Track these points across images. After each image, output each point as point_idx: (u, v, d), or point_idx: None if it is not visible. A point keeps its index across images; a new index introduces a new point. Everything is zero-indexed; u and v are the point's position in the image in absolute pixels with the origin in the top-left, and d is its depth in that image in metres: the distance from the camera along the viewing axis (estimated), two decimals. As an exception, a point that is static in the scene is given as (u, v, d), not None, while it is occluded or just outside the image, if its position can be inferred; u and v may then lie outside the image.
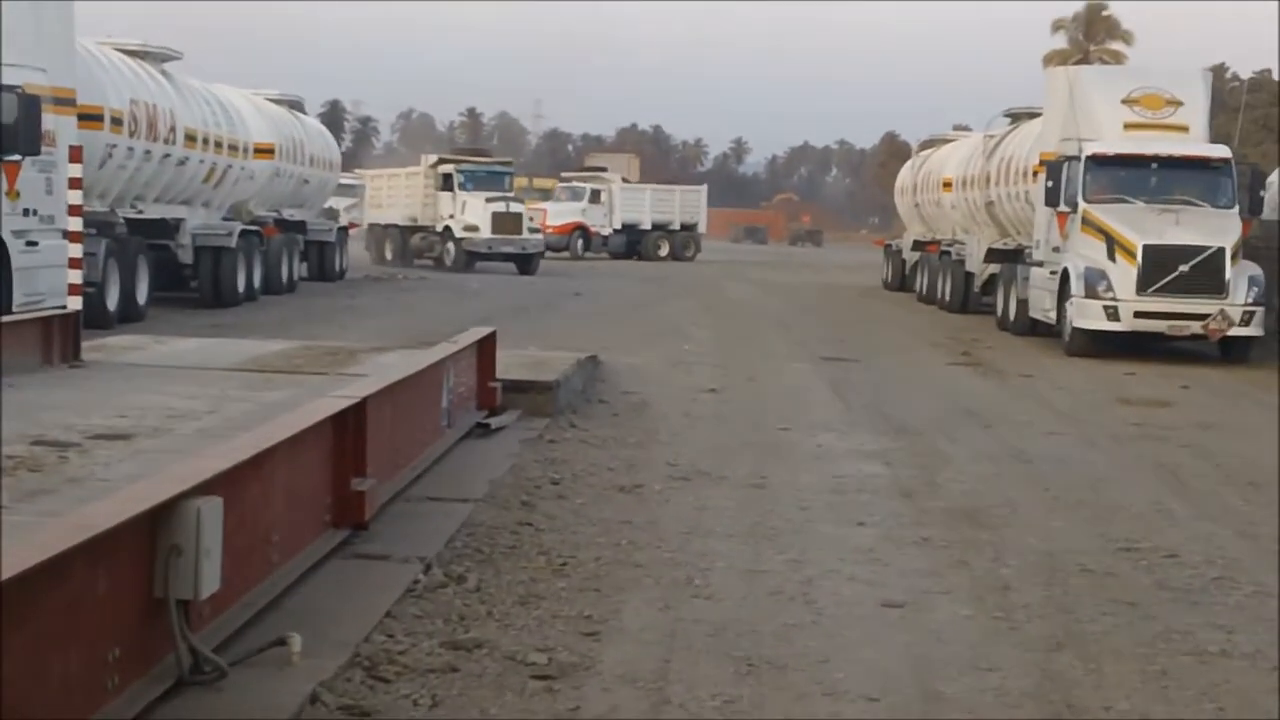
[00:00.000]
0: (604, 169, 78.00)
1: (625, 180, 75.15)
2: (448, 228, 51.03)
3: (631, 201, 70.88)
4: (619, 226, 69.81)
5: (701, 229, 74.47)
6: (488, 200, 50.40)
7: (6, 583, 4.31)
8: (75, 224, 18.64)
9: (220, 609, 6.23)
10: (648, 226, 70.81)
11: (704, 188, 79.05)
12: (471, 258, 50.00)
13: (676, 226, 71.83)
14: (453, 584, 7.87)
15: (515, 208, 51.02)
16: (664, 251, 70.40)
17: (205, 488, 5.85)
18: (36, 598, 4.56)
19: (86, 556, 4.91)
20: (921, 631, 7.60)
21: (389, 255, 54.38)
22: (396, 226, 54.60)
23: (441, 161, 53.68)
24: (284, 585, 7.07)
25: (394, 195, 55.87)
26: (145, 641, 5.48)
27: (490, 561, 8.49)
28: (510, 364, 14.92)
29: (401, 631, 6.96)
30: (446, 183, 51.88)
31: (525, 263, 50.23)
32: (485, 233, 49.82)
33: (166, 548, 5.57)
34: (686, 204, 73.73)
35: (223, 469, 6.13)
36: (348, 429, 8.33)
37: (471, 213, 50.33)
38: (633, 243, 69.92)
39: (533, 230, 51.53)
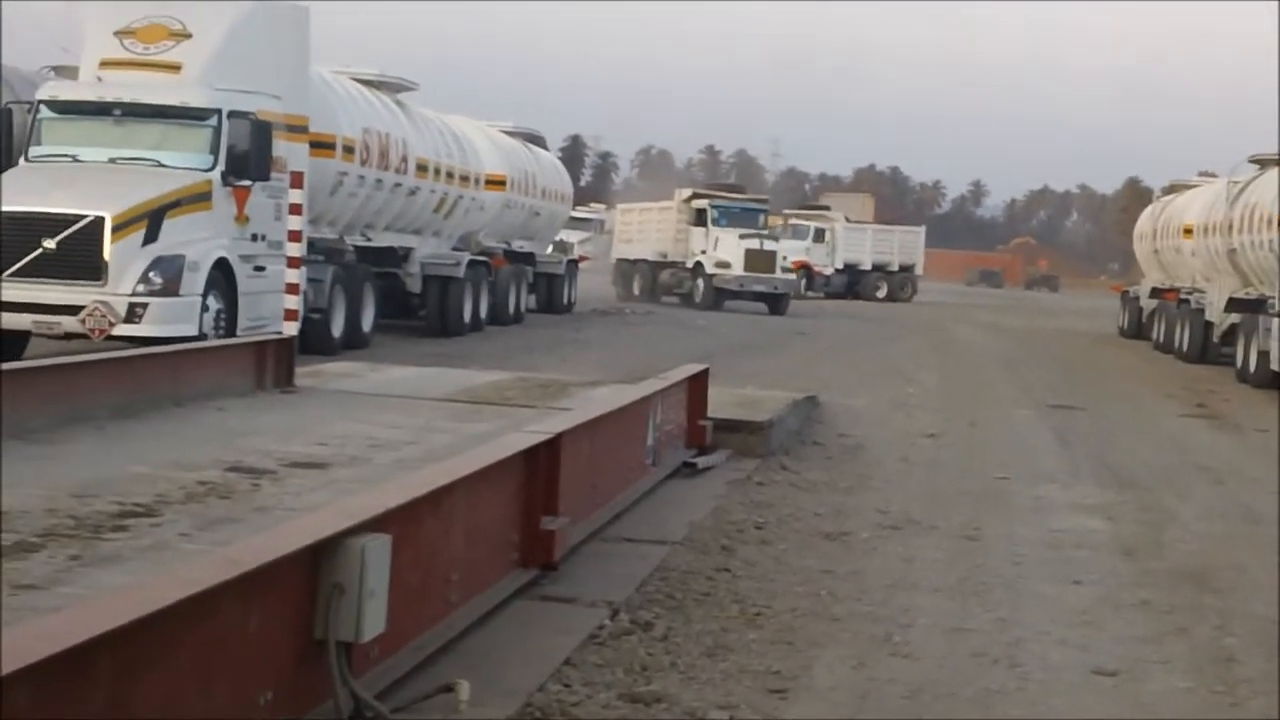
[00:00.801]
0: (828, 208, 77.87)
1: (848, 220, 74.80)
2: (699, 264, 49.74)
3: (853, 241, 70.72)
4: (840, 266, 69.51)
5: (919, 270, 73.94)
6: (741, 237, 49.15)
7: (146, 619, 4.12)
8: (295, 249, 18.78)
9: (390, 651, 6.01)
10: (868, 267, 70.64)
11: (922, 229, 78.70)
12: (721, 295, 48.81)
13: (895, 268, 71.60)
14: (639, 631, 7.57)
15: (769, 246, 49.70)
16: (882, 292, 70.04)
17: (374, 524, 5.63)
18: (177, 634, 4.36)
19: (237, 593, 4.71)
20: (1134, 704, 7.13)
21: (636, 290, 53.14)
22: (646, 261, 53.37)
23: (695, 196, 52.55)
24: (461, 627, 6.84)
25: (644, 230, 54.77)
26: (302, 684, 5.26)
27: (681, 609, 8.19)
28: (724, 402, 14.63)
29: (579, 681, 6.67)
30: (700, 218, 50.70)
31: (776, 302, 48.95)
32: (737, 270, 48.55)
33: (328, 586, 5.36)
34: (905, 245, 73.27)
35: (394, 505, 5.91)
36: (540, 465, 8.10)
37: (724, 249, 49.10)
38: (852, 283, 69.58)
39: (786, 270, 50.21)
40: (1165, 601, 9.34)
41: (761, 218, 51.84)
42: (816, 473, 13.65)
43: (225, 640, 4.69)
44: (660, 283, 51.69)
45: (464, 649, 6.74)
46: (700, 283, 49.41)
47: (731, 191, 56.36)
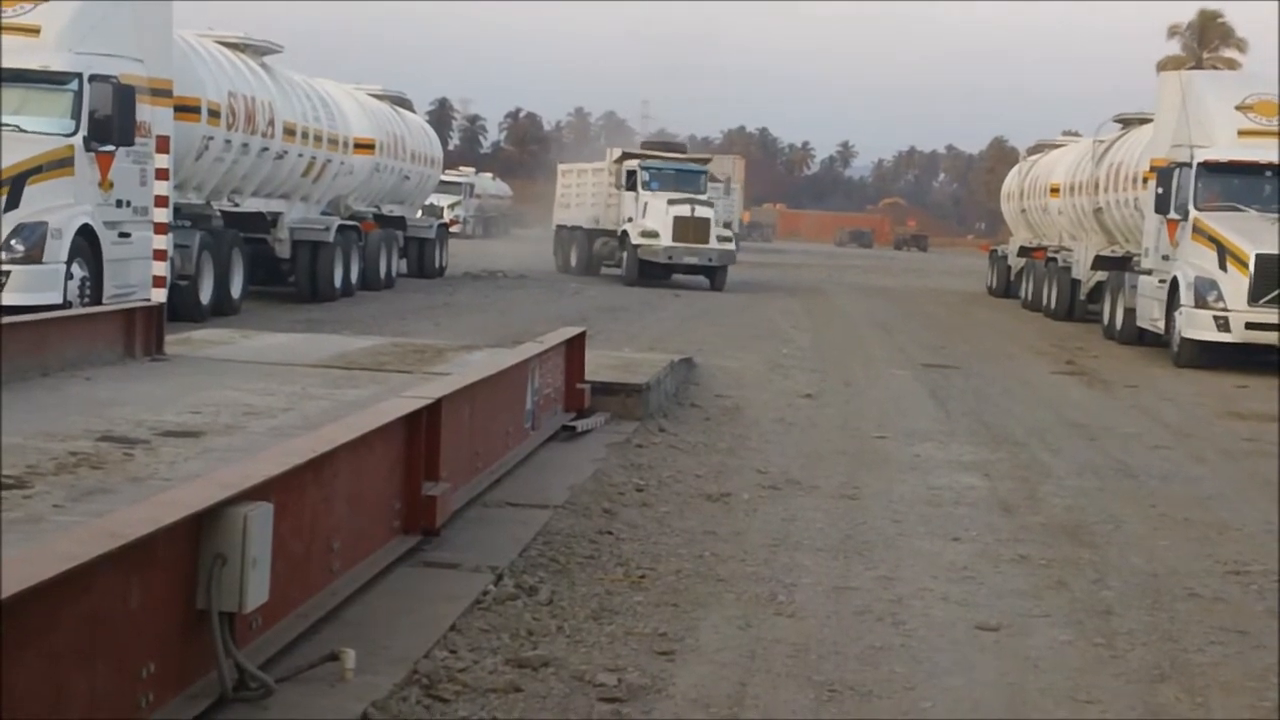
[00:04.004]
0: None
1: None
2: (625, 233, 42.96)
3: None
4: None
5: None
6: (670, 202, 42.02)
7: (24, 594, 3.99)
8: (161, 215, 18.42)
9: (273, 620, 5.91)
10: None
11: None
12: (647, 268, 42.13)
13: None
14: (524, 596, 7.51)
15: (702, 212, 42.16)
16: None
17: (255, 493, 5.52)
18: (56, 610, 4.24)
19: (117, 565, 4.60)
20: (1016, 658, 7.17)
21: (573, 262, 47.67)
22: (582, 229, 47.44)
23: (626, 157, 45.68)
24: (345, 595, 6.74)
25: (581, 194, 48.91)
26: (185, 656, 5.16)
27: (565, 572, 8.14)
28: (600, 365, 14.59)
29: (465, 647, 6.60)
30: (630, 181, 43.60)
31: (713, 275, 42.42)
32: (665, 240, 41.60)
33: (210, 557, 5.25)
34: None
35: (274, 474, 5.80)
36: (420, 431, 8.01)
37: (652, 216, 42.14)
38: None
39: (723, 239, 42.92)
40: (1043, 556, 9.42)
41: (701, 180, 44.67)
42: (695, 434, 13.64)
43: (105, 614, 4.57)
44: (594, 253, 46.05)
45: (348, 617, 6.65)
46: (627, 254, 42.95)
47: (669, 150, 48.22)
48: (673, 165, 45.00)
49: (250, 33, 28.43)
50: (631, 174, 43.78)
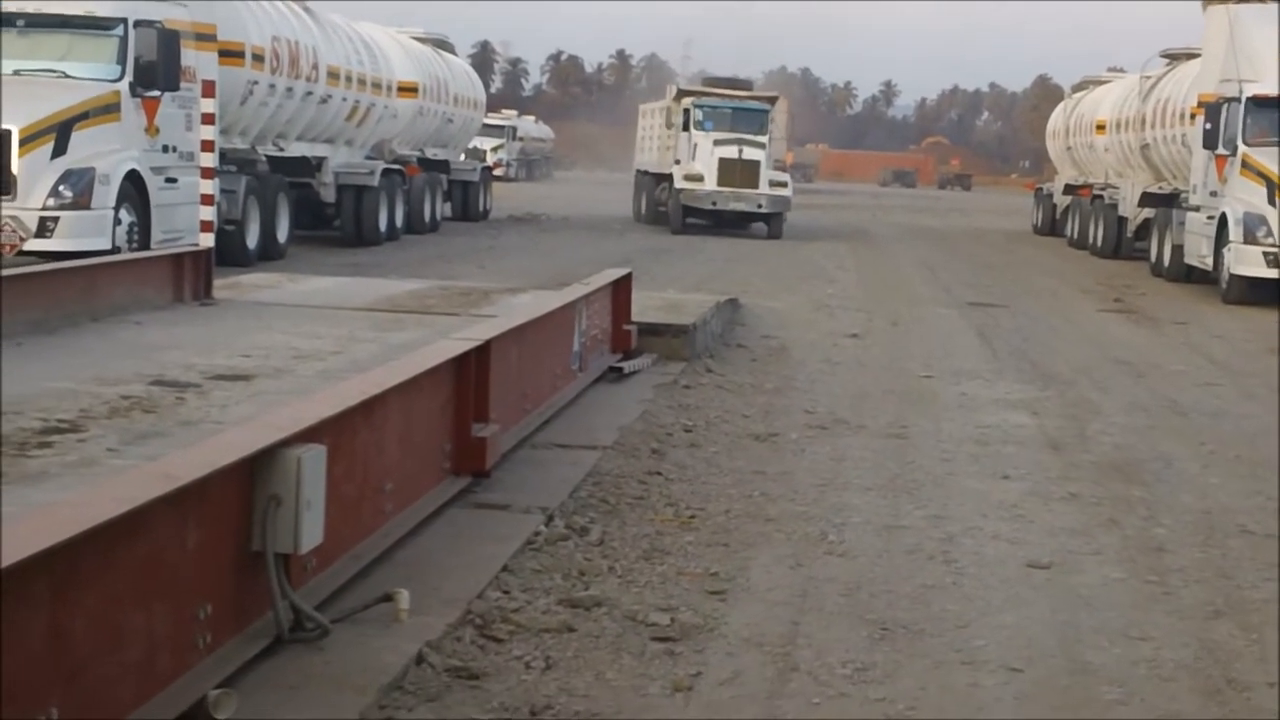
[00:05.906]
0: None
1: None
2: (672, 176, 39.19)
3: None
4: None
5: None
6: (715, 143, 38.10)
7: (83, 535, 4.02)
8: (208, 160, 18.48)
9: (327, 562, 5.94)
10: None
11: None
12: (690, 214, 38.39)
13: None
14: (575, 536, 7.53)
15: (750, 154, 37.80)
16: None
17: (308, 435, 5.54)
18: (113, 552, 4.27)
19: (173, 507, 4.62)
20: (1068, 595, 7.16)
21: (643, 209, 43.81)
22: (649, 174, 43.65)
23: (683, 94, 41.85)
24: (397, 536, 6.77)
25: (651, 136, 44.94)
26: (241, 597, 5.19)
27: (616, 513, 8.16)
28: (647, 306, 14.57)
29: (518, 587, 6.62)
30: (686, 120, 39.60)
31: (768, 223, 38.62)
32: (709, 184, 37.63)
33: (265, 499, 5.27)
34: None
35: (327, 416, 5.82)
36: (469, 372, 8.02)
37: (700, 158, 38.16)
38: None
39: (777, 183, 38.53)
40: (1093, 494, 9.40)
41: (762, 120, 39.96)
42: (742, 375, 13.63)
43: (163, 555, 4.60)
44: (654, 199, 42.22)
45: (401, 558, 6.68)
46: (671, 200, 39.14)
47: (732, 87, 42.95)
48: (730, 104, 40.45)
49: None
50: (688, 112, 39.81)
